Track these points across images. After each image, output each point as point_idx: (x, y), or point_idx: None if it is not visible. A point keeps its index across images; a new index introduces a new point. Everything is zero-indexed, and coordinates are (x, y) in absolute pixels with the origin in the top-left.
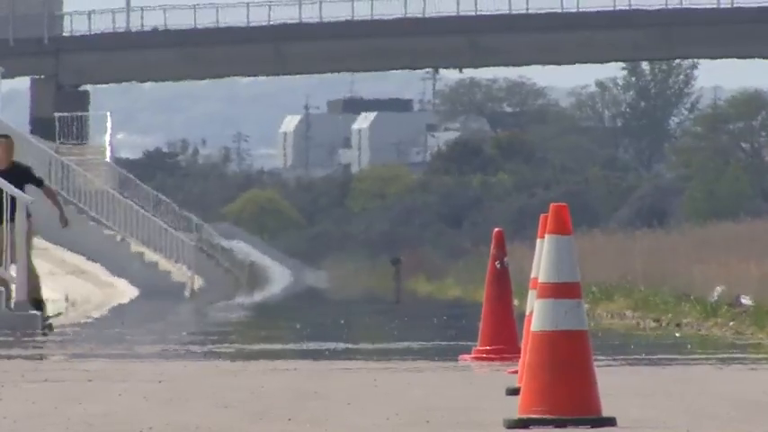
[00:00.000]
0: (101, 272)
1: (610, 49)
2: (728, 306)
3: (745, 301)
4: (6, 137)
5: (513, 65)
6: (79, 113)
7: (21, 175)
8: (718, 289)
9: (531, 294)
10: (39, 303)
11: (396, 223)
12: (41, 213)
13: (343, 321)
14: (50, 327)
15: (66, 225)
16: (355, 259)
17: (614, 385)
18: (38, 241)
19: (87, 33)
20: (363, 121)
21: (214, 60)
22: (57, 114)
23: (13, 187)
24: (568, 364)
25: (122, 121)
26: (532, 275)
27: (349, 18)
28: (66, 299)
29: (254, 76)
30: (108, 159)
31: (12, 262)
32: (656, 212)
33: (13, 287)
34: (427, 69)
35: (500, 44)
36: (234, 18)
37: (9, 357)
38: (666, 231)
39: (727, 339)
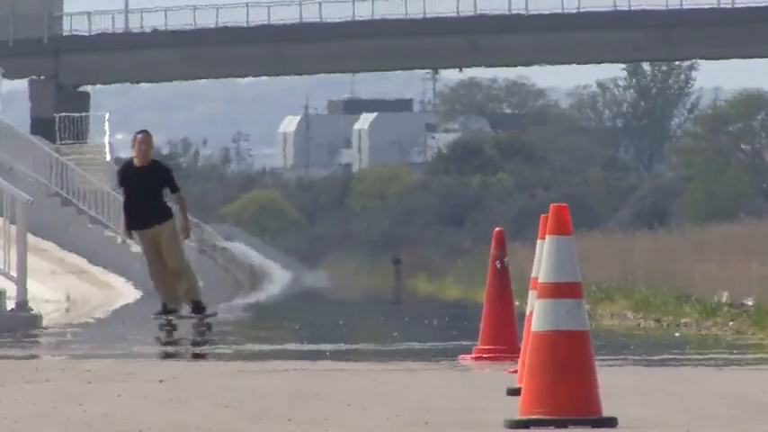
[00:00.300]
0: (101, 272)
1: (610, 50)
2: (729, 306)
3: (747, 301)
4: (145, 132)
5: (514, 65)
6: (79, 114)
7: (159, 175)
8: (724, 294)
9: (532, 294)
10: (197, 304)
11: (396, 223)
12: (42, 214)
13: (342, 322)
14: (209, 326)
15: (187, 237)
16: (355, 259)
17: (614, 385)
18: (38, 241)
19: (87, 34)
20: (364, 121)
21: (214, 61)
22: (57, 115)
23: (11, 186)
24: (569, 364)
25: (122, 122)
26: (533, 276)
27: (349, 18)
28: (68, 298)
29: (255, 76)
30: (107, 159)
31: (171, 265)
32: (657, 213)
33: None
34: (427, 70)
35: (500, 44)
36: (234, 18)
37: (9, 358)
38: (667, 232)
39: (728, 339)
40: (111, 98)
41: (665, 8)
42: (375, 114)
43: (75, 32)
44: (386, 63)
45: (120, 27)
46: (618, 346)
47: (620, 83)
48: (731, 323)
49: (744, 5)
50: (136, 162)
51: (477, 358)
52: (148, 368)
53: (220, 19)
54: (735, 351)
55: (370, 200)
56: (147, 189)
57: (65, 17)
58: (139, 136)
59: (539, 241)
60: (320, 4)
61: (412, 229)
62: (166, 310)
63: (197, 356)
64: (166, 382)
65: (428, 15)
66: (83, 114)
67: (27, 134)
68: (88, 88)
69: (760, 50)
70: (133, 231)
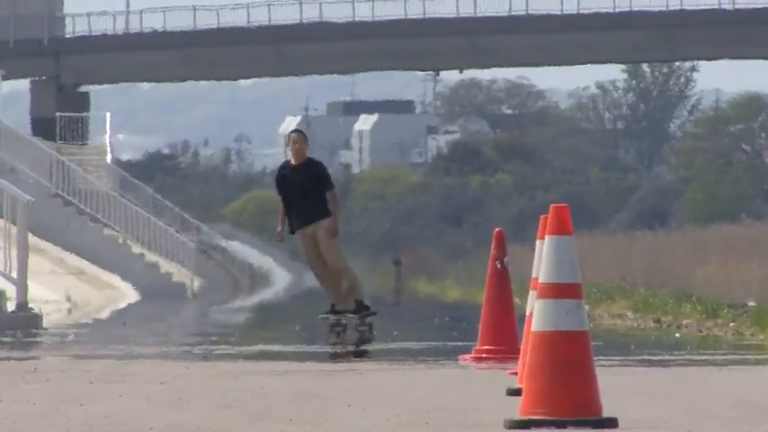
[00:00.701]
0: (101, 273)
1: (610, 51)
2: (729, 307)
3: (747, 301)
4: (300, 131)
5: (514, 66)
6: (80, 114)
7: (315, 173)
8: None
9: (532, 295)
10: (359, 303)
11: (396, 224)
12: (42, 214)
13: (343, 322)
14: (371, 326)
15: (333, 236)
16: (356, 259)
17: (615, 386)
18: (38, 242)
19: (87, 35)
20: (365, 122)
21: (214, 62)
22: (57, 115)
23: (12, 187)
24: (569, 364)
25: (123, 122)
26: (533, 276)
27: (349, 19)
28: (68, 299)
29: (255, 77)
30: (108, 160)
31: (330, 264)
32: (657, 214)
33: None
34: (428, 71)
35: (500, 45)
36: (234, 19)
37: (9, 359)
38: (667, 233)
39: (728, 340)
40: (112, 99)
41: (665, 9)
42: (376, 116)
43: (75, 33)
44: (386, 64)
45: (120, 28)
46: (618, 346)
47: (620, 84)
48: (732, 324)
49: (744, 6)
50: (292, 161)
51: (477, 359)
52: (149, 369)
53: (221, 20)
54: (735, 352)
55: (371, 201)
56: (305, 187)
57: (65, 18)
58: (293, 135)
59: (538, 242)
60: (320, 4)
61: (412, 230)
62: (335, 311)
63: (360, 355)
64: (167, 383)
65: (428, 16)
66: (83, 115)
67: (28, 135)
68: (89, 89)
69: (761, 51)
70: (296, 232)
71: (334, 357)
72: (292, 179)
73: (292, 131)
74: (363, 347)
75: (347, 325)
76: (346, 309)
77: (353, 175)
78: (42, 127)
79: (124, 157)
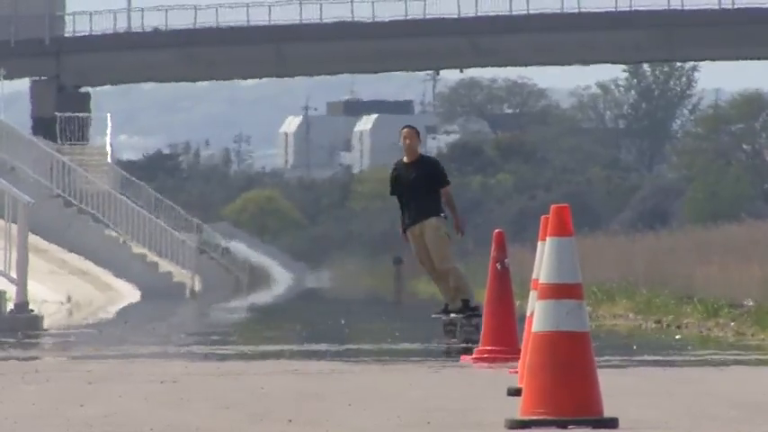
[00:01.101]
0: (102, 273)
1: (611, 50)
2: (730, 307)
3: (747, 302)
4: (410, 126)
5: (514, 65)
6: (80, 114)
7: (427, 170)
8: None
9: (533, 295)
10: (465, 303)
11: (396, 223)
12: (43, 215)
13: (343, 322)
14: (478, 326)
15: (462, 234)
16: (356, 260)
17: (615, 386)
18: (39, 242)
19: (88, 34)
20: (365, 122)
21: (215, 62)
22: (58, 115)
23: (12, 187)
24: (569, 364)
25: (123, 123)
26: (533, 276)
27: (349, 19)
28: (68, 300)
29: (255, 77)
30: (109, 160)
31: (435, 265)
32: (658, 214)
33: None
34: (428, 71)
35: (501, 45)
36: (234, 19)
37: (10, 359)
38: (668, 233)
39: (729, 340)
40: (113, 99)
41: (666, 8)
42: (376, 116)
43: (76, 33)
44: (386, 64)
45: (121, 27)
46: (619, 346)
47: (621, 83)
48: (732, 324)
49: (744, 6)
50: (405, 159)
51: (477, 359)
52: (149, 369)
53: (220, 19)
54: (736, 352)
55: (371, 201)
56: (416, 186)
57: (66, 18)
58: (404, 131)
59: (539, 242)
60: (320, 4)
61: None
62: (447, 311)
63: (467, 351)
64: (167, 383)
65: (428, 16)
66: (84, 115)
67: (28, 135)
68: (89, 89)
69: (761, 51)
70: (406, 231)
71: (447, 354)
72: (405, 177)
73: (404, 126)
74: (468, 346)
75: (459, 325)
76: (458, 310)
77: (354, 176)
78: (43, 127)
79: (125, 157)
